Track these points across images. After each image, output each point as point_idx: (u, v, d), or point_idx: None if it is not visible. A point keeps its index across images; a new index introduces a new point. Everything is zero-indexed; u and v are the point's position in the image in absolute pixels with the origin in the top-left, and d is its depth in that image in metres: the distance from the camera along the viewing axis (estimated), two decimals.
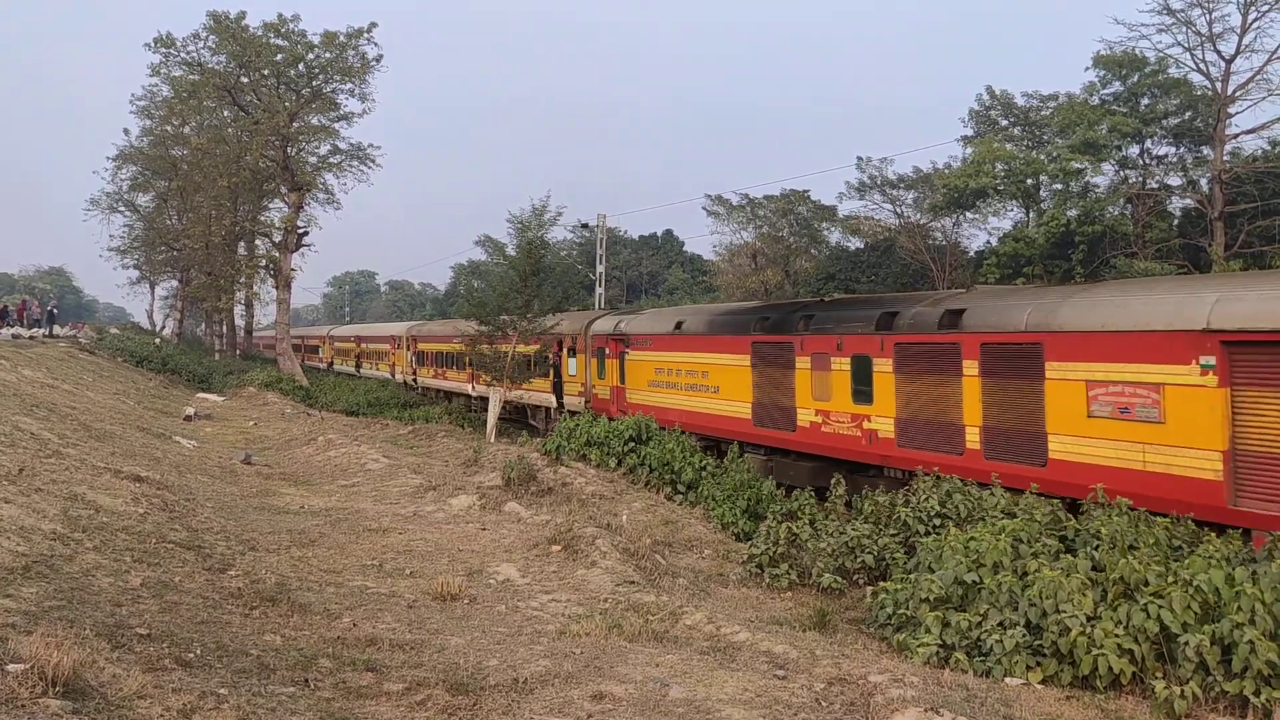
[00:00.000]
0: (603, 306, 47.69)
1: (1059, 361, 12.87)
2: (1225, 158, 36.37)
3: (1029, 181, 41.45)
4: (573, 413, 26.24)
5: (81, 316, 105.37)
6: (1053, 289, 15.15)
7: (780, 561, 11.73)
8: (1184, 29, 36.14)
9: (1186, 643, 7.33)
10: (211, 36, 41.46)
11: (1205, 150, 38.88)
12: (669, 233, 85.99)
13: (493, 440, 23.86)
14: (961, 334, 14.43)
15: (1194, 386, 11.26)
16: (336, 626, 7.87)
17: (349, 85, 43.81)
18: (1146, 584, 8.06)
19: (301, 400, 35.47)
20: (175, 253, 60.56)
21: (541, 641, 7.84)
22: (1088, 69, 40.82)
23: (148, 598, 7.65)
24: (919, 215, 51.06)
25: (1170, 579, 7.97)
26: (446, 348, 38.00)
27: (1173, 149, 41.09)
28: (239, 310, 63.14)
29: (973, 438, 14.09)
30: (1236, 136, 36.68)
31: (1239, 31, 35.11)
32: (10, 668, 4.84)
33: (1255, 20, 34.65)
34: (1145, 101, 39.84)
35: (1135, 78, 39.51)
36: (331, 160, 47.92)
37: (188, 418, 25.61)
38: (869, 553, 11.56)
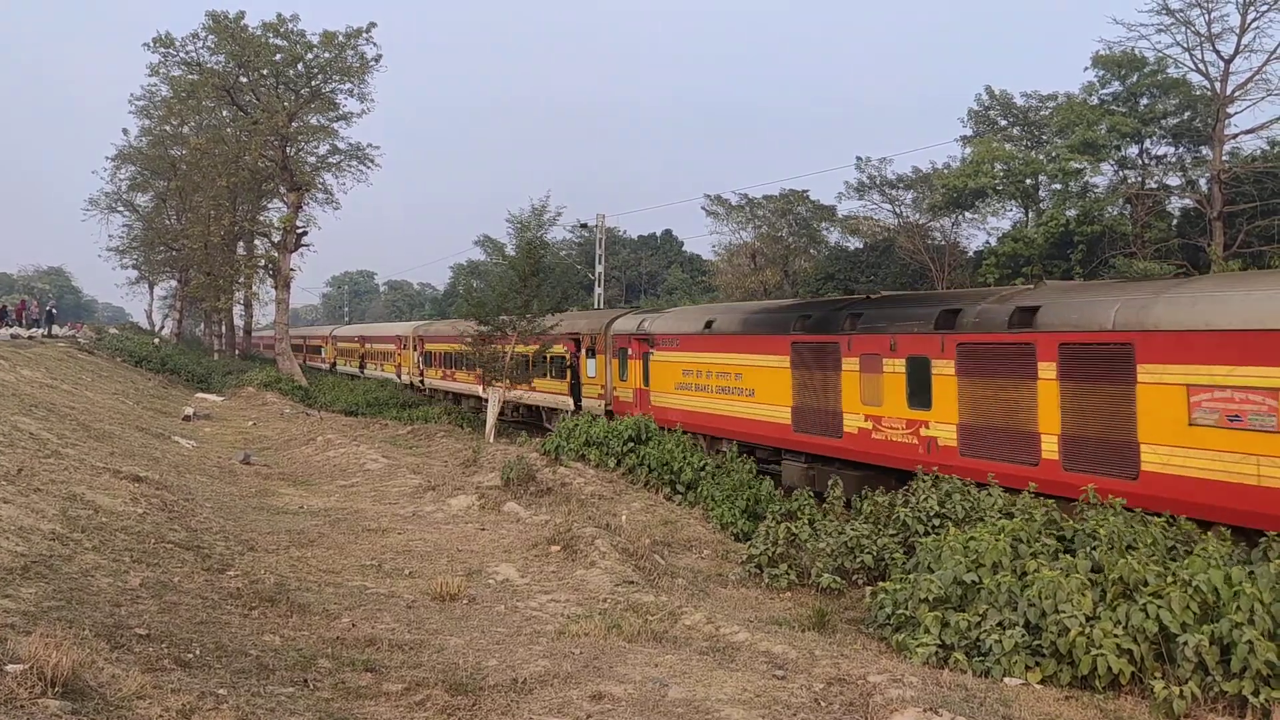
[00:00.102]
0: (601, 307, 47.69)
1: (1154, 364, 11.70)
2: (1224, 158, 36.38)
3: (1028, 181, 41.46)
4: (592, 416, 25.09)
5: (80, 316, 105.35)
6: (1140, 283, 14.24)
7: (779, 562, 11.73)
8: (1183, 29, 36.18)
9: (1185, 643, 7.34)
10: (210, 36, 41.48)
11: (1204, 150, 38.90)
12: (668, 233, 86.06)
13: (492, 440, 23.86)
14: (1036, 333, 13.22)
15: None
16: (335, 627, 7.87)
17: (348, 85, 43.85)
18: (1145, 584, 8.07)
19: (300, 400, 35.48)
20: (174, 253, 60.54)
21: (540, 641, 7.84)
22: (1087, 69, 40.91)
23: (147, 598, 7.65)
24: (918, 215, 51.07)
25: (1169, 579, 7.97)
26: (455, 348, 36.63)
27: (1172, 149, 41.12)
28: (238, 310, 63.26)
29: (1050, 447, 12.91)
30: (1235, 136, 36.71)
31: (1238, 31, 35.13)
32: (9, 668, 4.84)
33: (1254, 20, 34.69)
34: (1144, 101, 39.86)
35: (1134, 78, 39.53)
36: (330, 160, 47.99)
37: (187, 418, 25.60)
38: (868, 553, 11.57)
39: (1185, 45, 36.63)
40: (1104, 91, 40.57)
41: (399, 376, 47.11)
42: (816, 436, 17.42)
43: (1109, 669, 7.54)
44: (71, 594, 7.25)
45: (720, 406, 20.53)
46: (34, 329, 45.95)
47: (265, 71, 42.60)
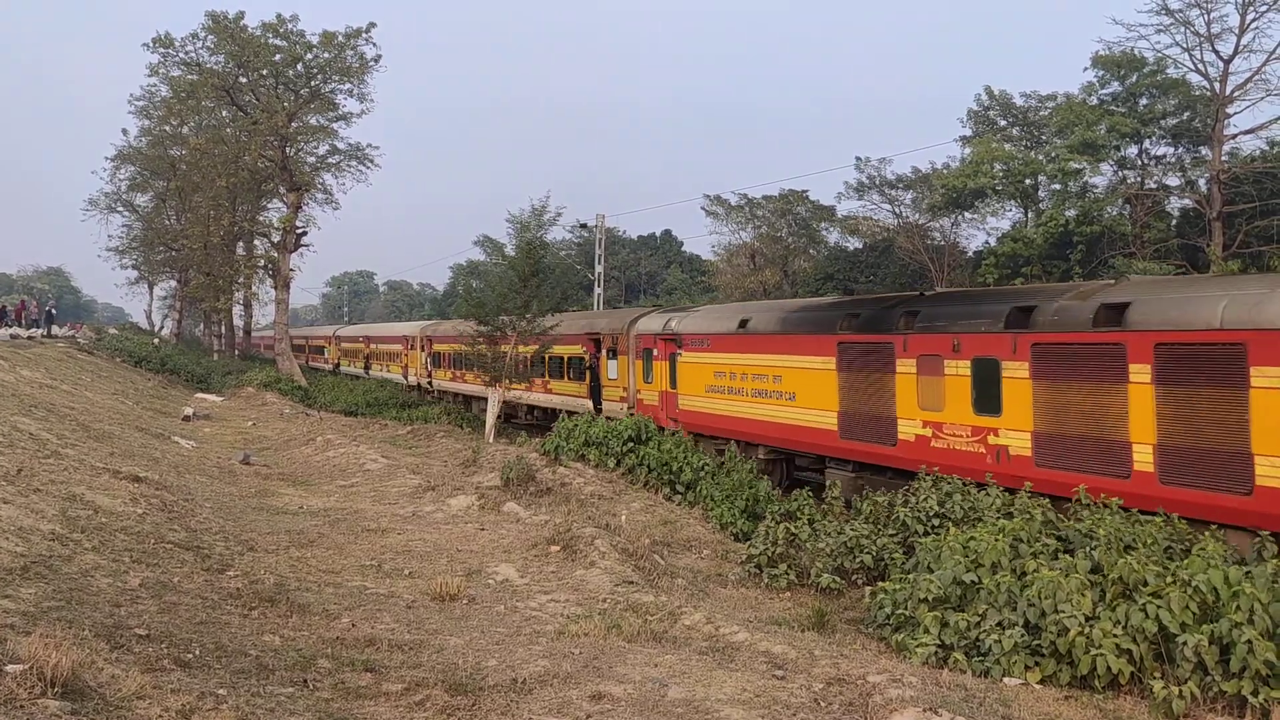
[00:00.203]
0: (601, 307, 47.67)
1: (1270, 366, 10.62)
2: (1223, 158, 36.40)
3: (1027, 182, 41.49)
4: (612, 419, 24.90)
5: (80, 317, 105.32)
6: (1248, 277, 13.34)
7: (779, 562, 11.73)
8: (1182, 29, 36.21)
9: (1185, 643, 7.34)
10: (210, 36, 41.53)
11: (1203, 150, 38.93)
12: (668, 233, 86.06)
13: (491, 441, 23.85)
14: (1127, 332, 12.05)
15: None
16: (335, 627, 7.87)
17: (347, 85, 43.92)
18: (1145, 584, 8.08)
19: (300, 400, 35.49)
20: (174, 253, 60.55)
21: (540, 642, 7.84)
22: (1086, 69, 40.96)
23: (146, 598, 7.65)
24: (917, 215, 51.12)
25: (1169, 579, 7.98)
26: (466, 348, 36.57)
27: (1171, 149, 41.16)
28: (237, 310, 63.23)
29: (1143, 458, 11.76)
30: (1235, 137, 36.73)
31: (1237, 32, 35.16)
32: (9, 668, 4.84)
33: (1253, 20, 34.71)
34: (1144, 102, 39.90)
35: (1134, 78, 39.57)
36: (330, 160, 48.05)
37: (186, 418, 25.61)
38: (868, 553, 11.57)
39: (1185, 45, 36.70)
40: (1103, 92, 40.63)
41: (406, 378, 46.15)
42: (866, 444, 16.17)
43: (1108, 669, 7.55)
44: (71, 594, 7.25)
45: (756, 411, 19.40)
46: (33, 329, 45.95)
47: (265, 72, 42.65)
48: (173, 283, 72.36)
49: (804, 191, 56.65)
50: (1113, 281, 14.67)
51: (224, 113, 45.74)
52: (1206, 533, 9.62)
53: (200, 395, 34.98)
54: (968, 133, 47.89)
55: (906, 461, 15.06)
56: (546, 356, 28.53)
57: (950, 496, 12.21)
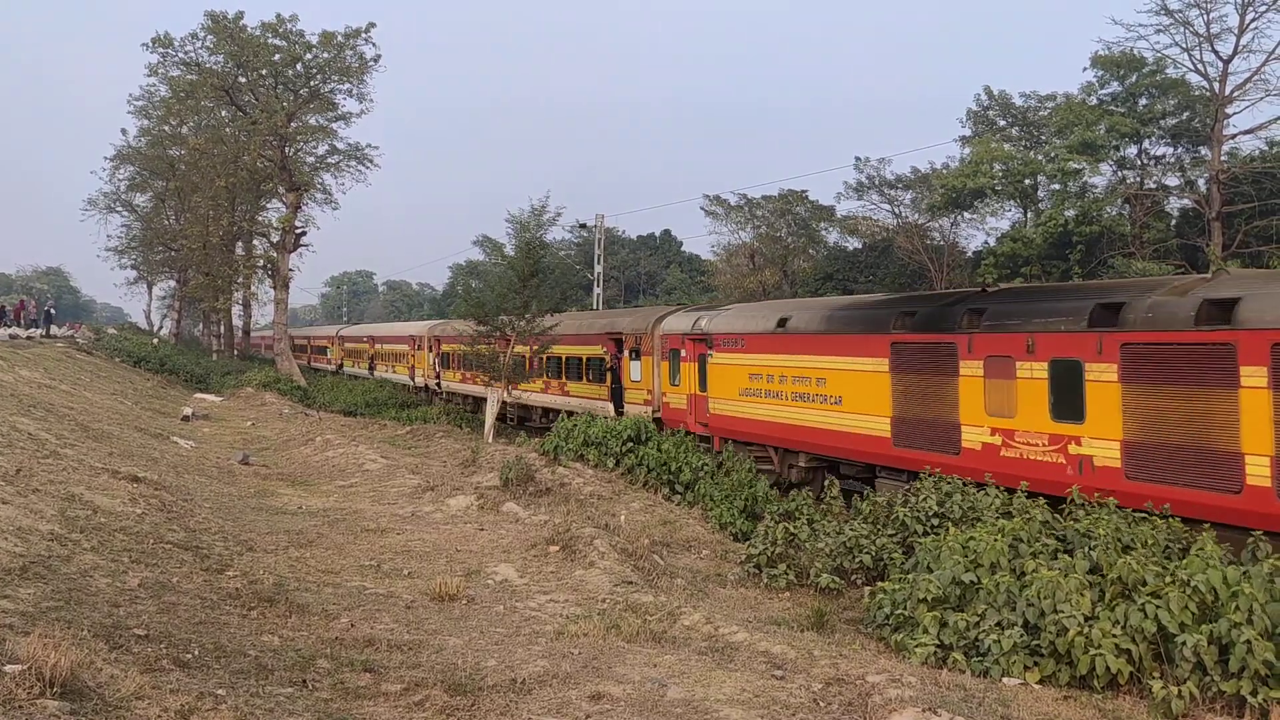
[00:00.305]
0: (600, 307, 47.66)
1: None
2: (1223, 158, 36.39)
3: (1027, 182, 41.47)
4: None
5: (79, 316, 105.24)
6: None
7: (778, 562, 11.73)
8: (1182, 29, 36.17)
9: (1184, 643, 7.35)
10: (209, 36, 41.56)
11: (1203, 150, 38.92)
12: (667, 233, 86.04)
13: (490, 441, 23.85)
14: (1238, 331, 10.94)
15: None
16: (334, 627, 7.87)
17: (347, 85, 43.95)
18: (1144, 584, 8.08)
19: (299, 400, 35.50)
20: (173, 253, 60.56)
21: (539, 642, 7.84)
22: (1086, 69, 40.92)
23: (145, 598, 7.65)
24: (917, 215, 51.09)
25: (1168, 579, 7.98)
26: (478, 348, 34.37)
27: (1170, 149, 41.14)
28: (236, 310, 63.26)
29: (1258, 471, 10.64)
30: (1234, 137, 36.71)
31: (1237, 32, 35.14)
32: (8, 669, 4.84)
33: (1253, 21, 34.68)
34: (1143, 102, 39.89)
35: (1133, 78, 39.56)
36: (329, 160, 48.05)
37: (185, 418, 25.60)
38: (867, 553, 11.57)
39: (1184, 45, 36.66)
40: (1103, 92, 40.61)
41: (412, 379, 44.82)
42: (925, 452, 14.89)
43: (1107, 669, 7.55)
44: (70, 594, 7.25)
45: (796, 415, 18.19)
46: (32, 329, 45.94)
47: (264, 72, 42.68)
48: (172, 283, 72.39)
49: (803, 191, 56.65)
50: (1208, 276, 13.42)
51: (223, 113, 45.77)
52: (1204, 533, 9.60)
53: (199, 395, 34.97)
54: (967, 133, 47.91)
55: (971, 472, 13.67)
56: (564, 357, 27.75)
57: (950, 496, 12.21)
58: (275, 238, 44.98)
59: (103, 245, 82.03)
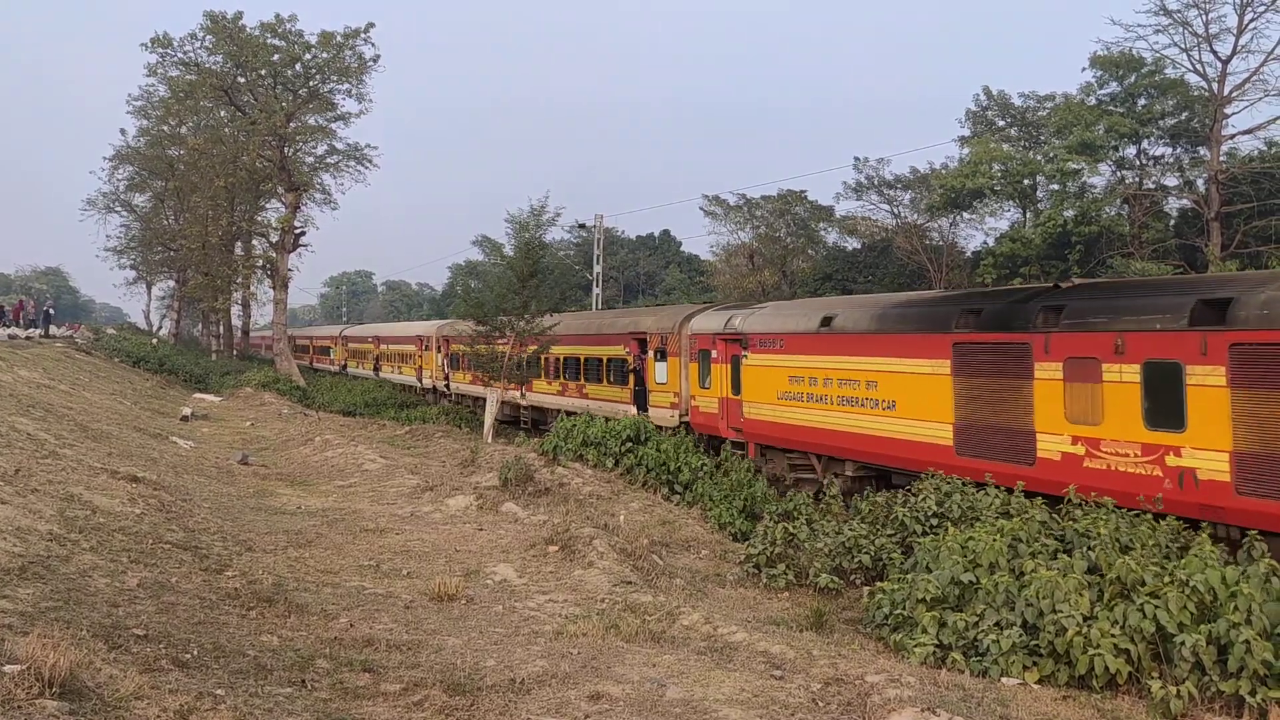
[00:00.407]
0: (599, 307, 47.67)
1: None
2: (1222, 158, 36.41)
3: (1026, 182, 41.49)
4: (660, 428, 21.58)
5: (78, 317, 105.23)
6: None
7: (777, 561, 11.73)
8: (1180, 30, 36.18)
9: (1183, 643, 7.35)
10: (208, 37, 41.55)
11: (1202, 151, 38.93)
12: (666, 233, 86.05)
13: (490, 441, 23.85)
14: None
15: None
16: (333, 627, 7.87)
17: (346, 85, 43.95)
18: (1143, 584, 8.09)
19: (298, 400, 35.49)
20: (172, 253, 60.54)
21: (539, 642, 7.84)
22: (1085, 69, 40.95)
23: (144, 598, 7.65)
24: (916, 216, 51.12)
25: (1166, 579, 7.99)
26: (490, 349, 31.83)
27: (1169, 149, 41.15)
28: (236, 310, 63.24)
29: None
30: (1233, 137, 36.73)
31: (1235, 32, 35.15)
32: (7, 669, 4.84)
33: (1251, 21, 34.69)
34: (1142, 102, 39.91)
35: (1132, 78, 39.58)
36: (328, 160, 48.09)
37: (184, 418, 25.59)
38: (866, 553, 11.58)
39: (1183, 46, 36.68)
40: (1102, 92, 40.63)
41: (420, 380, 43.91)
42: (993, 462, 13.75)
43: (1106, 669, 7.56)
44: (69, 594, 7.25)
45: (843, 421, 17.04)
46: (31, 329, 45.93)
47: (263, 72, 42.68)
48: (171, 283, 72.34)
49: (802, 192, 56.71)
50: None
51: (222, 113, 45.77)
52: (1202, 533, 9.60)
53: (198, 395, 34.96)
54: (966, 133, 47.93)
55: (1048, 484, 12.63)
56: (583, 358, 27.05)
57: (949, 497, 12.21)
58: (274, 238, 45.00)
59: (102, 245, 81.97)
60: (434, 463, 19.47)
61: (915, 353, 15.51)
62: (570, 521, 12.35)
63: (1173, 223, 41.05)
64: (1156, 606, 7.66)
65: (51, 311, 51.25)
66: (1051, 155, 39.86)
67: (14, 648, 5.21)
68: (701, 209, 60.74)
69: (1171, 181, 40.86)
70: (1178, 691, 7.08)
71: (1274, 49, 34.41)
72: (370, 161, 48.00)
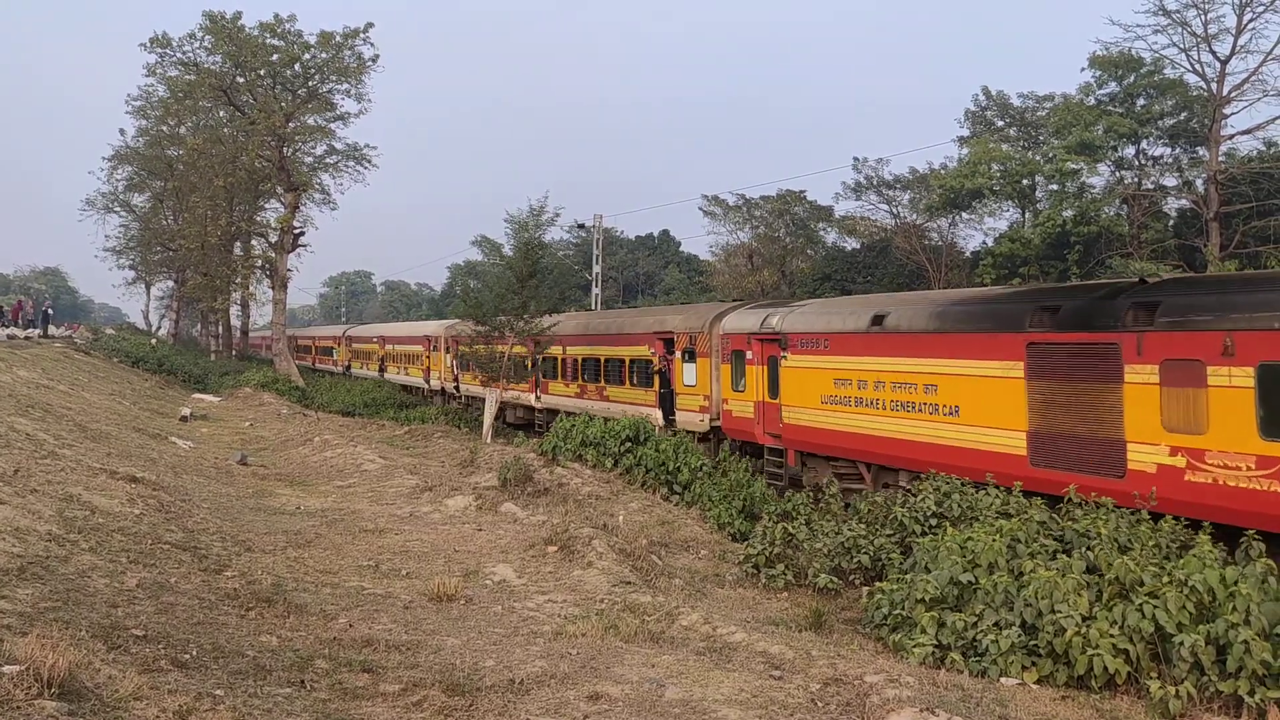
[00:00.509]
0: (599, 307, 47.65)
1: None
2: (1220, 158, 36.44)
3: (1025, 182, 41.53)
4: (689, 433, 20.87)
5: (77, 317, 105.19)
6: None
7: (776, 562, 11.74)
8: (1179, 30, 36.20)
9: (1181, 643, 7.36)
10: (207, 37, 41.50)
11: (1201, 151, 38.95)
12: (665, 233, 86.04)
13: (489, 441, 23.84)
14: None
15: None
16: (333, 627, 7.88)
17: (345, 85, 43.91)
18: (1142, 584, 8.10)
19: (297, 401, 35.48)
20: (171, 253, 60.51)
21: (538, 642, 7.85)
22: (1084, 70, 41.00)
23: (143, 599, 7.65)
24: (915, 216, 51.17)
25: (1165, 579, 8.00)
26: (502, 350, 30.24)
27: (1168, 150, 41.18)
28: (235, 311, 63.21)
29: None
30: (1232, 137, 36.76)
31: (1234, 33, 35.18)
32: (6, 669, 4.84)
33: (1250, 21, 34.72)
34: (1141, 102, 39.94)
35: (1131, 78, 39.61)
36: (327, 160, 48.06)
37: (184, 418, 25.58)
38: (865, 553, 11.58)
39: (1182, 46, 36.70)
40: (1101, 92, 40.67)
41: (427, 381, 42.64)
42: (1074, 473, 12.53)
43: (1105, 669, 7.57)
44: (68, 595, 7.24)
45: (897, 427, 15.95)
46: (30, 329, 45.92)
47: (262, 72, 42.66)
48: (170, 283, 72.31)
49: (801, 192, 56.82)
50: None
51: (221, 113, 45.76)
52: (1202, 533, 9.60)
53: (197, 395, 34.95)
54: (965, 133, 48.00)
55: (1143, 499, 11.50)
56: (603, 358, 26.14)
57: (948, 497, 12.21)
58: (273, 238, 44.99)
59: (101, 245, 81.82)
60: (433, 463, 19.47)
61: (982, 354, 14.42)
62: (569, 522, 12.35)
63: (1172, 223, 41.08)
64: (1155, 607, 7.67)
65: (50, 311, 51.21)
66: (1050, 155, 39.89)
67: (13, 648, 5.21)
68: (701, 209, 60.91)
69: (1170, 182, 40.90)
70: (1176, 691, 7.09)
71: (1273, 49, 34.47)
72: (369, 161, 48.04)
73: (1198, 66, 36.95)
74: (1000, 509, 11.56)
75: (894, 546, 11.62)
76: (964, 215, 47.37)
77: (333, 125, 45.74)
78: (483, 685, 6.56)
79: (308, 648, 7.14)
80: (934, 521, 11.80)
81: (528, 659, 7.23)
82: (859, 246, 54.31)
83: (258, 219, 49.14)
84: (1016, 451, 13.73)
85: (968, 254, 48.95)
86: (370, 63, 43.00)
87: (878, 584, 10.08)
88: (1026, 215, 43.77)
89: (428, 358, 43.03)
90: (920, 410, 15.51)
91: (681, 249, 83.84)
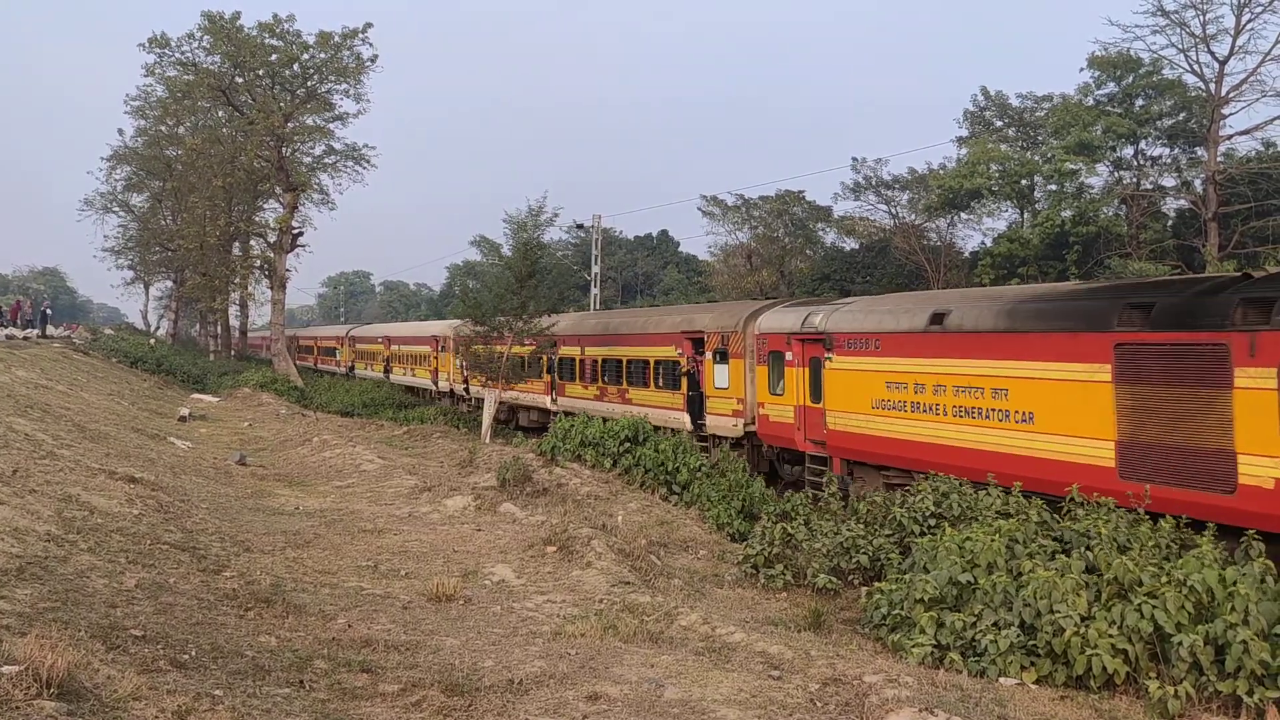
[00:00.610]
0: (598, 307, 47.65)
1: None
2: (1219, 159, 36.48)
3: (1023, 182, 41.56)
4: (720, 439, 19.90)
5: (75, 317, 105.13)
6: None
7: (775, 562, 11.73)
8: (1178, 30, 36.24)
9: (1180, 643, 7.37)
10: (206, 37, 41.50)
11: (1199, 151, 39.00)
12: (664, 233, 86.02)
13: (488, 441, 23.84)
14: None
15: None
16: (331, 627, 7.87)
17: (344, 85, 43.92)
18: (1140, 584, 8.10)
19: (296, 401, 35.47)
20: (170, 253, 60.46)
21: (536, 642, 7.85)
22: (1082, 70, 41.08)
23: (142, 599, 7.64)
24: (914, 216, 51.19)
25: (1164, 579, 8.00)
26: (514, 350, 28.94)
27: (1167, 150, 41.24)
28: (233, 311, 63.18)
29: None
30: (1230, 138, 36.81)
31: (1233, 33, 35.22)
32: (4, 669, 4.83)
33: (1249, 22, 34.76)
34: (1140, 102, 39.98)
35: (1130, 79, 39.66)
36: (326, 161, 48.07)
37: (182, 418, 25.57)
38: (864, 553, 11.58)
39: (1180, 46, 36.75)
40: (1099, 92, 40.72)
41: (435, 383, 41.72)
42: (1174, 489, 11.47)
43: (1104, 669, 7.57)
44: (67, 595, 7.24)
45: (960, 435, 14.70)
46: (28, 329, 45.90)
47: (261, 72, 42.66)
48: (169, 283, 72.30)
49: (800, 192, 56.85)
50: None
51: (220, 113, 45.73)
52: (1202, 533, 9.60)
53: (196, 396, 34.93)
54: (964, 133, 48.05)
55: (1255, 516, 10.34)
56: (625, 359, 25.30)
57: (947, 497, 12.21)
58: (272, 238, 44.99)
59: (99, 245, 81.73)
60: (432, 463, 19.47)
61: (1061, 355, 13.16)
62: (568, 522, 12.35)
63: (1170, 223, 41.12)
64: (1154, 607, 7.68)
65: (49, 312, 51.21)
66: (1049, 156, 39.92)
67: (12, 648, 5.21)
68: (700, 209, 60.92)
69: (1169, 182, 40.95)
70: (1175, 691, 7.09)
71: (1271, 50, 34.51)
72: (368, 162, 48.07)
73: (1196, 67, 37.03)
74: (999, 509, 11.56)
75: (893, 547, 11.61)
76: (963, 215, 47.41)
77: (331, 125, 45.83)
78: (482, 685, 6.56)
79: (306, 648, 7.14)
80: (933, 522, 11.80)
81: (527, 659, 7.23)
82: (858, 247, 54.33)
83: (256, 219, 49.13)
84: (1103, 463, 12.48)
85: (966, 254, 48.99)
86: (369, 63, 43.07)
87: (877, 584, 10.08)
88: (1025, 215, 43.82)
89: (435, 358, 41.97)
90: (988, 417, 14.34)
91: (680, 249, 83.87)
